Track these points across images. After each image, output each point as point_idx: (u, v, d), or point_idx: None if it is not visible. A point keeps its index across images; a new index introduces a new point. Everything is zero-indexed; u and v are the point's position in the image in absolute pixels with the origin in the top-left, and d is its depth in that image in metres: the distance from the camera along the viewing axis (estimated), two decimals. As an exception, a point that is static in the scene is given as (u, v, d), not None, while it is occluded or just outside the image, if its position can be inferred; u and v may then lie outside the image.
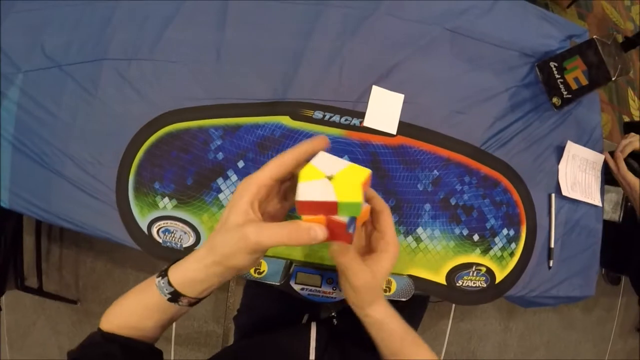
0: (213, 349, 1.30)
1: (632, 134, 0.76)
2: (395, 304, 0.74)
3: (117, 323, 0.37)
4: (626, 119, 1.91)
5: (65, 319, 1.24)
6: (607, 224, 0.76)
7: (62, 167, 0.59)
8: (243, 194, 0.31)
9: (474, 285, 0.65)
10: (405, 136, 0.65)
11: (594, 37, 0.65)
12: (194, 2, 0.63)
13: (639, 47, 1.22)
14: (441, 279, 0.63)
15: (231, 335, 1.18)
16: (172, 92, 0.61)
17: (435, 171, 0.65)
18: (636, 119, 1.94)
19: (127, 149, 0.59)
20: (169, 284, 0.33)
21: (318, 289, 0.58)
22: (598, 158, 0.76)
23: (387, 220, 0.37)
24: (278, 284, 0.57)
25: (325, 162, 0.31)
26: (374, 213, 0.38)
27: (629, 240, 0.89)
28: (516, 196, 0.68)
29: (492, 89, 0.71)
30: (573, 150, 0.73)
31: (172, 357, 1.28)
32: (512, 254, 0.67)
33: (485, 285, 0.65)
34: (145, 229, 0.59)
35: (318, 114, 0.63)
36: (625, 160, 0.75)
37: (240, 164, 0.60)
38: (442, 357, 1.46)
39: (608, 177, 0.78)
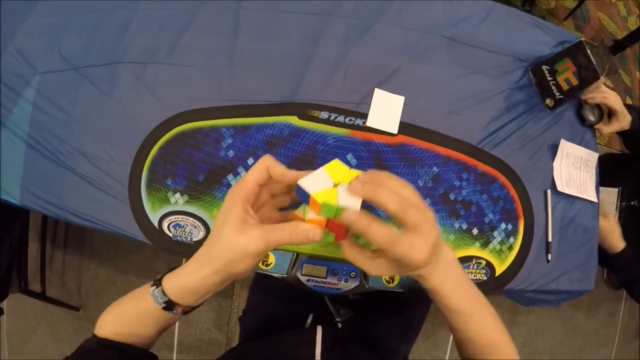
0: (215, 357, 1.28)
1: (607, 89, 0.77)
2: (395, 304, 0.76)
3: (112, 329, 0.37)
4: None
5: (67, 325, 1.24)
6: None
7: (76, 164, 0.61)
8: (235, 203, 0.31)
9: (475, 278, 0.66)
10: (405, 135, 0.68)
11: (582, 39, 0.69)
12: (208, 11, 0.67)
13: (638, 59, 1.28)
14: (443, 272, 0.65)
15: (234, 342, 1.18)
16: (186, 94, 0.64)
17: (434, 168, 0.68)
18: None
19: (141, 147, 0.62)
20: (164, 293, 0.33)
21: (324, 280, 0.59)
22: (592, 156, 0.79)
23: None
24: (285, 275, 0.59)
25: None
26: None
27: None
28: (513, 192, 0.71)
29: (487, 92, 0.75)
30: (567, 148, 0.76)
31: (174, 365, 1.26)
32: (510, 248, 0.69)
33: (485, 278, 0.67)
34: (156, 224, 0.61)
35: (324, 114, 0.66)
36: (583, 110, 0.78)
37: (250, 161, 0.63)
38: (445, 365, 1.45)
39: (602, 176, 0.81)
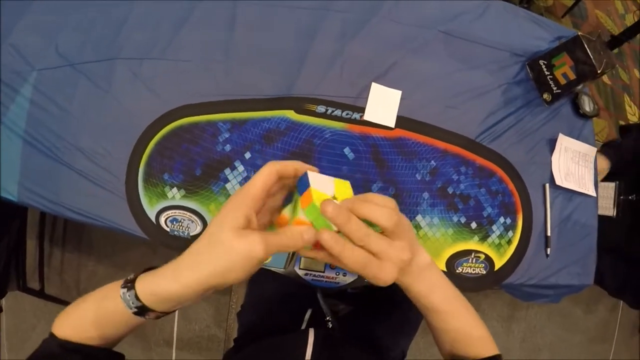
0: (215, 353, 1.29)
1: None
2: (394, 299, 0.75)
3: (74, 330, 0.34)
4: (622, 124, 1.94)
5: None
6: (602, 219, 0.78)
7: (73, 159, 0.61)
8: (238, 207, 0.29)
9: (474, 272, 0.66)
10: (403, 129, 0.68)
11: (579, 33, 0.69)
12: (205, 5, 0.67)
13: (637, 57, 1.28)
14: (441, 265, 0.65)
15: (232, 340, 1.18)
16: (183, 89, 0.64)
17: (432, 162, 0.68)
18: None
19: (138, 142, 0.62)
20: (136, 297, 0.30)
21: (322, 274, 0.59)
22: (590, 150, 0.79)
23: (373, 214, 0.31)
24: (283, 269, 0.59)
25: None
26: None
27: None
28: (511, 186, 0.71)
29: (484, 86, 0.75)
30: (565, 142, 0.76)
31: (173, 361, 1.26)
32: (509, 242, 0.69)
33: (484, 272, 0.67)
34: (153, 219, 0.61)
35: (321, 108, 0.66)
36: (578, 98, 0.77)
37: (247, 155, 0.63)
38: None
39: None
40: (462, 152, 0.69)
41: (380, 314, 0.75)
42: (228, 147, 0.62)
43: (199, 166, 0.61)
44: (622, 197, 0.89)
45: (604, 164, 0.85)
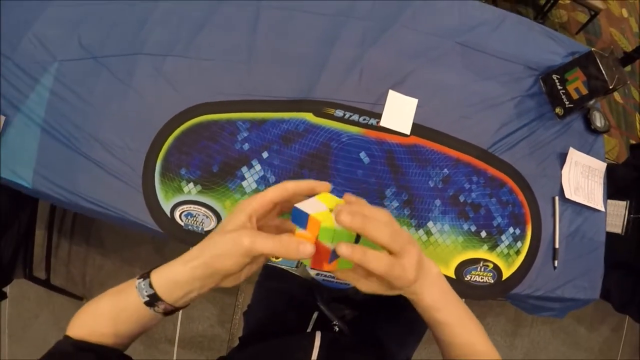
0: (217, 353, 1.28)
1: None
2: (401, 303, 0.75)
3: (88, 329, 0.35)
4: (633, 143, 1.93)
5: (69, 314, 1.21)
6: (610, 236, 0.78)
7: (90, 150, 0.62)
8: (245, 208, 0.33)
9: (482, 280, 0.67)
10: (418, 136, 0.69)
11: (592, 49, 0.70)
12: (228, 7, 0.69)
13: None
14: (450, 272, 0.66)
15: (235, 340, 1.17)
16: (204, 87, 0.65)
17: (445, 170, 0.69)
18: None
19: (157, 136, 0.63)
20: (150, 285, 0.33)
21: (332, 274, 0.60)
22: (600, 166, 0.79)
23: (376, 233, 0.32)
24: (294, 268, 0.60)
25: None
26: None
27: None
28: (522, 197, 0.71)
29: (498, 97, 0.76)
30: (576, 157, 0.77)
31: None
32: (518, 252, 0.69)
33: (492, 281, 0.67)
34: (168, 212, 0.62)
35: (339, 113, 0.67)
36: (590, 114, 0.77)
37: (265, 154, 0.64)
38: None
39: (610, 191, 0.81)
40: (475, 161, 0.70)
41: (385, 320, 0.75)
42: (246, 146, 0.63)
43: (217, 163, 0.63)
44: (632, 216, 0.89)
45: None
